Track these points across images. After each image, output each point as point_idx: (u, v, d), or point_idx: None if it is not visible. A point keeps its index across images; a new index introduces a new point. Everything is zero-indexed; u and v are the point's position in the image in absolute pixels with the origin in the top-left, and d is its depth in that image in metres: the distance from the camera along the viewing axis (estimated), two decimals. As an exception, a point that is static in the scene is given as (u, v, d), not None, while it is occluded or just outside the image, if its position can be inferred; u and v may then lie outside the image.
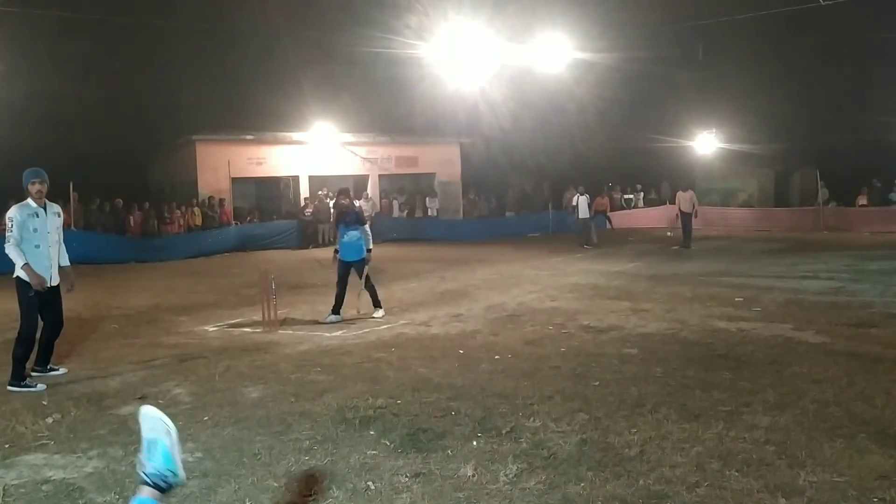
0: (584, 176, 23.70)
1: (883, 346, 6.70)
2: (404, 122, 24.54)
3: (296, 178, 23.15)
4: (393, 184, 25.36)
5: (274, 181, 23.87)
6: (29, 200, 6.06)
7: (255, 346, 7.50)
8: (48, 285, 6.06)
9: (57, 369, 6.46)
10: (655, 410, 4.91)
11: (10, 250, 5.94)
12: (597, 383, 5.66)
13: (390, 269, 14.42)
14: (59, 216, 6.29)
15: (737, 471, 3.86)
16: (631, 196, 27.74)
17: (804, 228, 21.93)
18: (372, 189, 23.91)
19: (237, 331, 8.42)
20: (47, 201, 6.14)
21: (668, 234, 21.11)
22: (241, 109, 23.89)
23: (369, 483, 3.86)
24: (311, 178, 22.89)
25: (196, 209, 19.88)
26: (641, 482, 3.76)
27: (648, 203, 27.51)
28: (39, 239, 6.04)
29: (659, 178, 28.21)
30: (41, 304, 6.06)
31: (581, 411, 4.94)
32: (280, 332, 8.21)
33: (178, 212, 19.59)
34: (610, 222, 23.52)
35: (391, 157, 24.58)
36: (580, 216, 19.33)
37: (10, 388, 5.88)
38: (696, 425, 4.59)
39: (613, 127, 26.11)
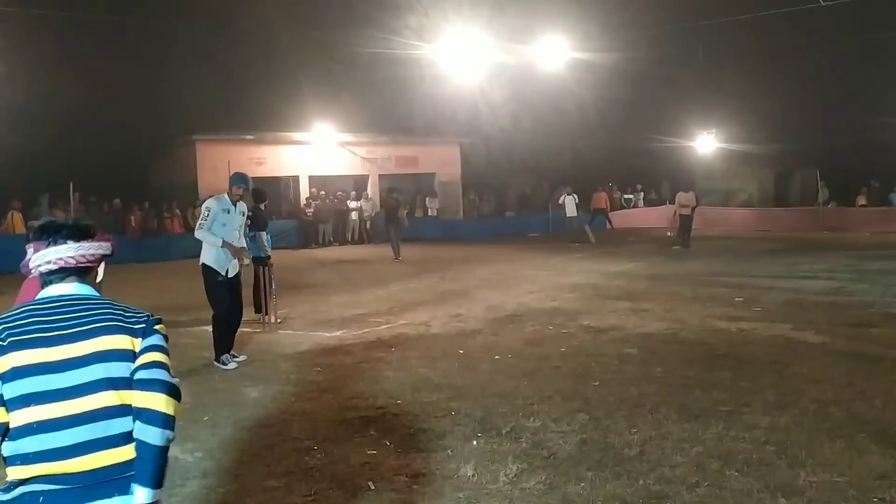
0: (584, 176, 23.71)
1: (883, 346, 6.69)
2: (404, 122, 24.58)
3: (296, 178, 23.15)
4: (393, 184, 25.36)
5: (274, 181, 23.90)
6: (226, 196, 6.67)
7: (255, 346, 7.51)
8: (229, 276, 6.63)
9: (237, 356, 6.80)
10: (655, 410, 4.90)
11: (203, 235, 6.49)
12: (597, 383, 5.65)
13: (391, 269, 14.41)
14: (243, 215, 6.88)
15: (737, 471, 3.86)
16: (631, 196, 27.75)
17: (804, 228, 21.90)
18: (372, 189, 23.91)
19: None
20: (240, 201, 6.73)
21: (668, 233, 21.10)
22: (241, 109, 23.96)
23: (369, 483, 3.86)
24: (311, 178, 22.89)
25: (196, 210, 19.91)
26: (641, 482, 3.76)
27: (648, 203, 27.50)
28: (225, 233, 6.55)
29: (659, 178, 28.20)
30: (225, 292, 6.64)
31: (581, 411, 4.93)
32: (280, 332, 8.21)
33: (177, 213, 19.62)
34: (610, 222, 23.52)
35: (391, 157, 24.59)
36: (567, 215, 19.95)
37: (214, 362, 6.57)
38: (696, 425, 4.59)
39: (613, 127, 26.14)
